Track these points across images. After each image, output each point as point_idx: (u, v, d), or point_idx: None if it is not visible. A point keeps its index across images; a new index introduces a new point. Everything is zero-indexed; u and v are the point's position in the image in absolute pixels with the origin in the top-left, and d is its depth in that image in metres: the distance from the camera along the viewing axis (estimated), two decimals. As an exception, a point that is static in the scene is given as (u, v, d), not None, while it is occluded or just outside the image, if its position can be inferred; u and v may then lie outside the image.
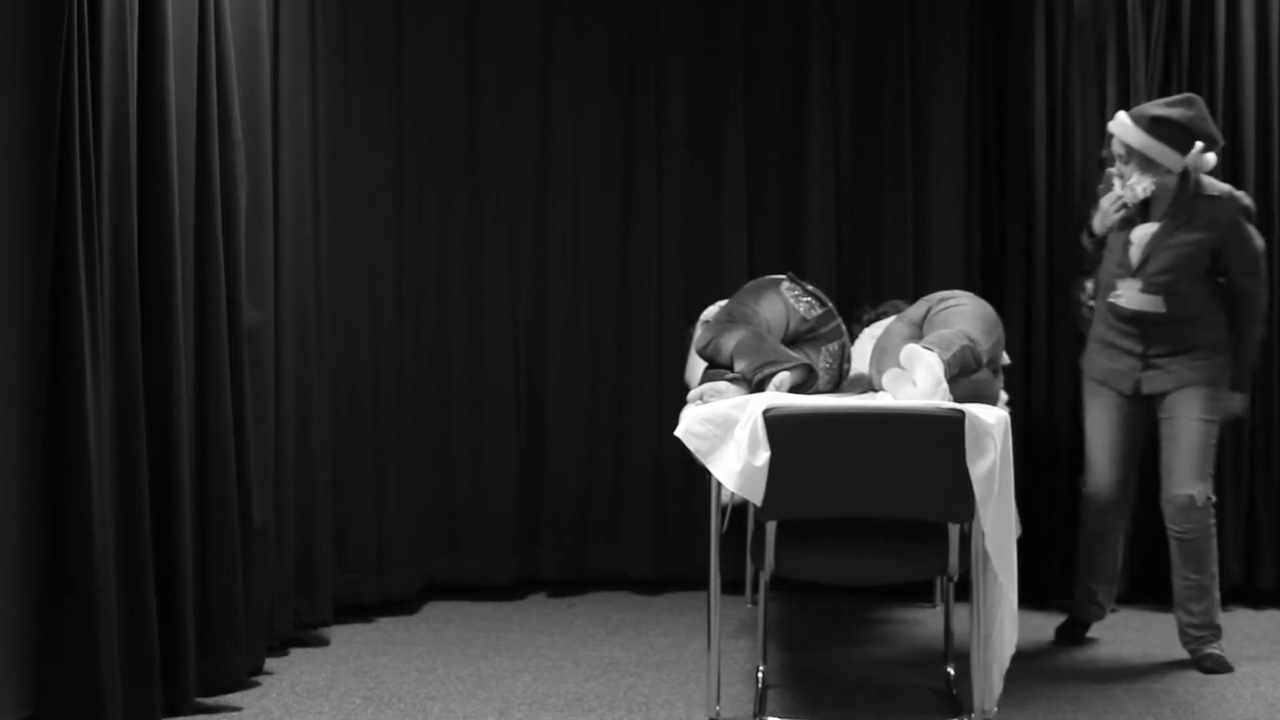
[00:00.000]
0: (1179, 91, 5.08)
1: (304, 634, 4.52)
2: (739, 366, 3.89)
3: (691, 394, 3.89)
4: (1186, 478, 4.18)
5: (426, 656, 4.39)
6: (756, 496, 3.49)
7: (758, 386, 3.83)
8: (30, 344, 3.45)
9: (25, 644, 3.45)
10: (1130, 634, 4.65)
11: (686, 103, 5.42)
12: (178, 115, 3.74)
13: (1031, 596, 4.99)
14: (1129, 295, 4.23)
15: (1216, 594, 4.29)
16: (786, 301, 4.19)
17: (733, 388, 3.83)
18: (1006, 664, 3.62)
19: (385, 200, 5.09)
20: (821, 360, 4.14)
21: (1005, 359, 4.37)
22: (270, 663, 4.22)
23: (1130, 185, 4.19)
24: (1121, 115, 4.29)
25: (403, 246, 5.14)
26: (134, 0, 3.58)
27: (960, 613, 3.95)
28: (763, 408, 3.49)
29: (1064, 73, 5.16)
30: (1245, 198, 4.31)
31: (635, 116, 5.42)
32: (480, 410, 5.31)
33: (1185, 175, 4.20)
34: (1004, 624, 3.58)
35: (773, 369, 3.84)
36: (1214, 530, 4.25)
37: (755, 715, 3.78)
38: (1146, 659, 4.33)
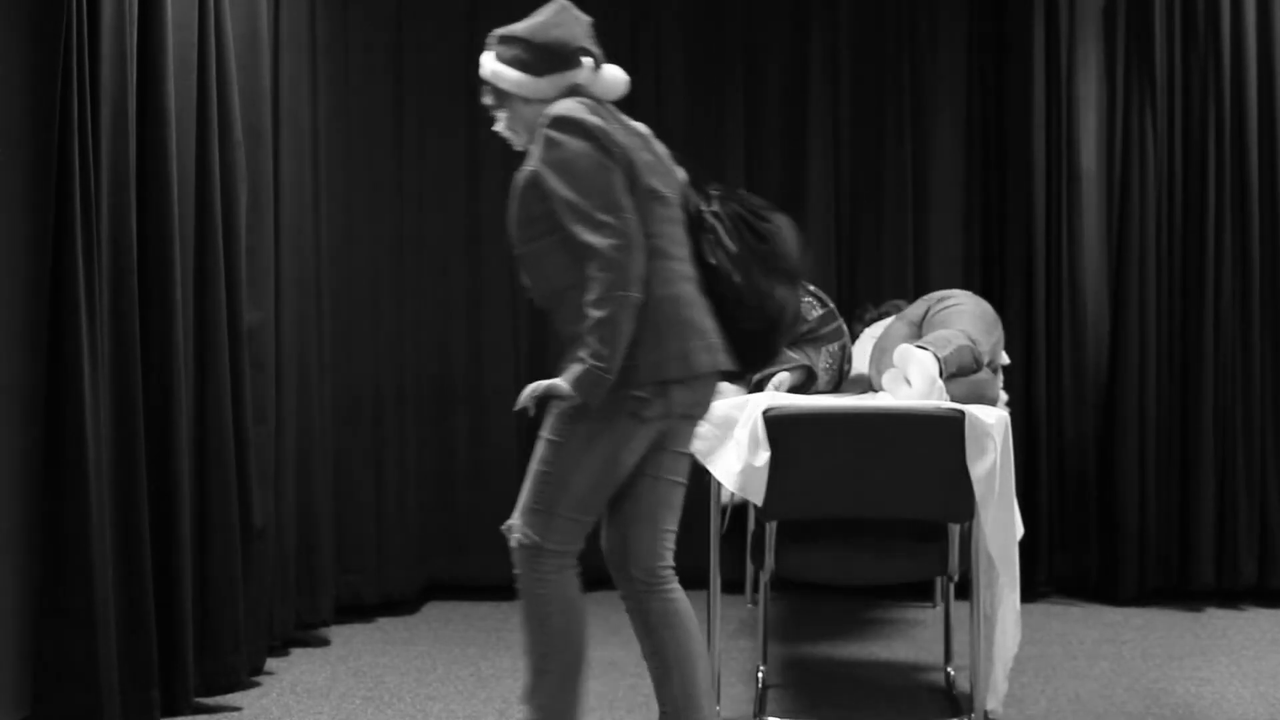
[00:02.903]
0: (1184, 91, 5.09)
1: (304, 634, 4.53)
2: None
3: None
4: (517, 509, 2.99)
5: (426, 656, 4.39)
6: (757, 496, 3.48)
7: (757, 387, 3.83)
8: (28, 344, 3.45)
9: (23, 644, 3.45)
10: (1130, 634, 4.65)
11: (686, 102, 5.43)
12: (177, 115, 3.74)
13: (1031, 595, 5.02)
14: None
15: (547, 681, 2.95)
16: (787, 301, 4.19)
17: (733, 388, 3.83)
18: (1010, 663, 3.62)
19: (385, 200, 5.09)
20: (822, 360, 4.14)
21: (1005, 359, 4.36)
22: (271, 662, 4.22)
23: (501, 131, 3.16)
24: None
25: (403, 246, 5.14)
26: (133, 1, 3.58)
27: (960, 613, 3.95)
28: (763, 408, 3.49)
29: (1064, 73, 5.16)
30: (568, 109, 2.95)
31: (634, 115, 5.40)
32: (480, 410, 5.31)
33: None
34: (1006, 624, 3.58)
35: (772, 369, 3.84)
36: (542, 597, 2.93)
37: (755, 715, 3.78)
38: (1146, 659, 4.33)
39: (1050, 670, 4.20)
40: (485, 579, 5.27)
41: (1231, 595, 5.05)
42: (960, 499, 3.44)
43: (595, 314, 2.77)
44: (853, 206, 5.41)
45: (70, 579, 3.35)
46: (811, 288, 4.29)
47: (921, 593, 5.06)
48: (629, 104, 5.37)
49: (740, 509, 4.31)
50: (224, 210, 3.95)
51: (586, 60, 3.13)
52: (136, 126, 3.61)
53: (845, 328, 4.26)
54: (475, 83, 5.51)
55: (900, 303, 4.88)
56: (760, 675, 4.10)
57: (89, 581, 3.35)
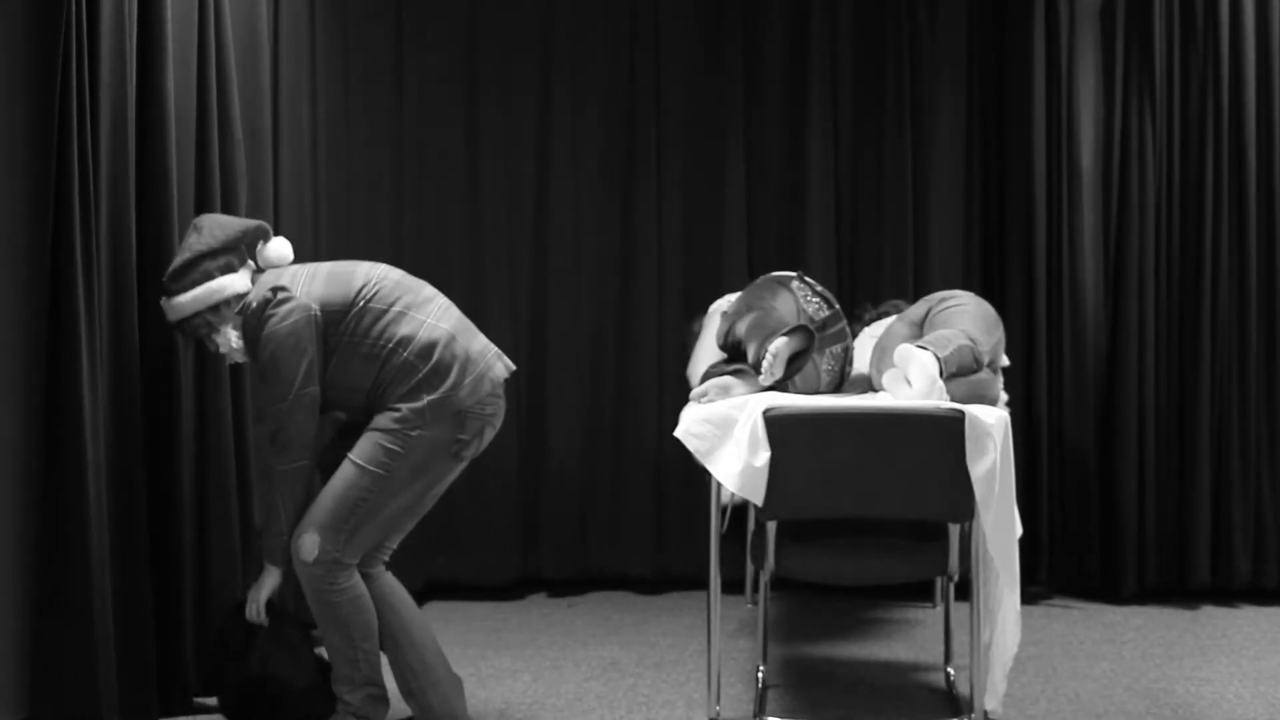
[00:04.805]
0: (1181, 88, 5.09)
1: (304, 634, 4.52)
2: (748, 351, 3.88)
3: (694, 393, 3.88)
4: (309, 520, 3.44)
5: (426, 656, 4.38)
6: (757, 496, 3.48)
7: (757, 364, 3.81)
8: (27, 344, 3.45)
9: (21, 645, 3.44)
10: (1130, 634, 4.64)
11: (686, 102, 5.42)
12: (177, 115, 3.74)
13: (1032, 595, 5.02)
14: None
15: (362, 667, 3.42)
16: (798, 300, 4.18)
17: (738, 382, 3.81)
18: (1010, 663, 3.62)
19: (385, 200, 5.09)
20: (825, 362, 4.12)
21: (1005, 360, 4.36)
22: (270, 663, 4.22)
23: (227, 351, 3.42)
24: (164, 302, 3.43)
25: (403, 246, 5.13)
26: (133, 0, 3.57)
27: (960, 613, 3.95)
28: (763, 408, 3.49)
29: (1064, 73, 5.16)
30: (278, 297, 3.31)
31: (635, 116, 5.42)
32: (480, 410, 5.30)
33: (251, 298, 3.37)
34: (1007, 624, 3.58)
35: (771, 340, 3.82)
36: (337, 604, 3.39)
37: (755, 715, 3.78)
38: (1146, 659, 4.33)
39: (1050, 670, 4.20)
40: (485, 579, 5.27)
41: (1226, 594, 5.05)
42: (960, 499, 3.44)
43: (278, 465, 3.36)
44: (853, 206, 5.41)
45: (69, 579, 3.35)
46: (819, 287, 4.28)
47: (921, 593, 5.06)
48: (629, 105, 5.40)
49: (740, 509, 4.31)
50: (223, 210, 3.95)
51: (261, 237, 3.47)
52: (136, 126, 3.61)
53: (849, 329, 4.26)
54: (474, 82, 5.49)
55: (900, 303, 4.87)
56: (760, 675, 4.10)
57: (88, 582, 3.34)
